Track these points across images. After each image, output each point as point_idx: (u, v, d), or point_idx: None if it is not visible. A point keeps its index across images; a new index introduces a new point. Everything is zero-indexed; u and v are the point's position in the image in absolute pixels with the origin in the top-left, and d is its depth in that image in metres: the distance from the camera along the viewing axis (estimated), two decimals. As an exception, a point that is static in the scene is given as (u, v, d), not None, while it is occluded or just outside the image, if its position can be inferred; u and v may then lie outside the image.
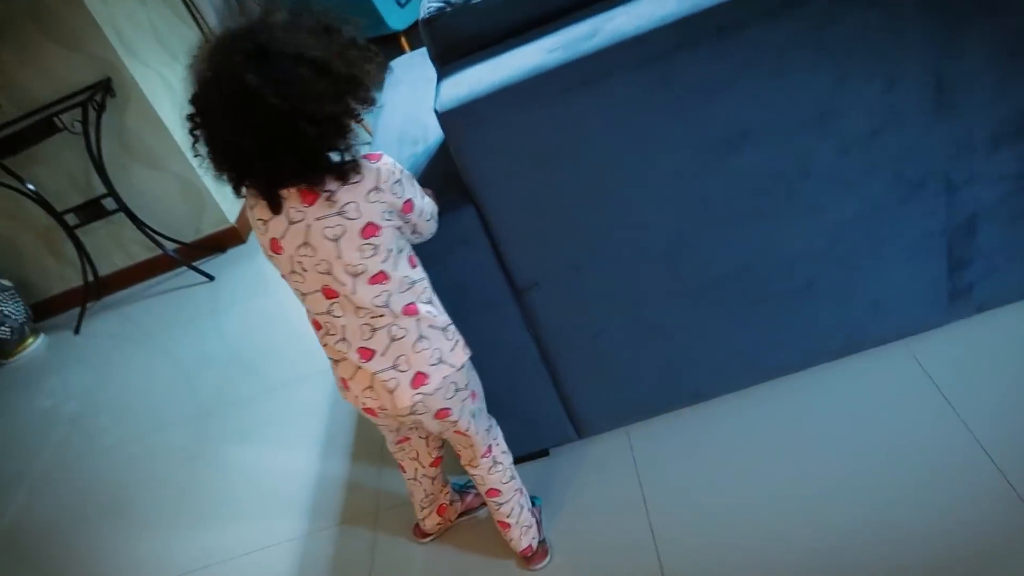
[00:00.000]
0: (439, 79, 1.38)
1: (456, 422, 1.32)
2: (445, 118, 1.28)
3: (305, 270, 1.15)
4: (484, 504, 1.66)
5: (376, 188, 1.11)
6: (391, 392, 1.22)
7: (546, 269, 1.44)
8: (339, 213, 1.10)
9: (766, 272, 1.45)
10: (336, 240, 1.11)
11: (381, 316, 1.18)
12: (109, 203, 3.09)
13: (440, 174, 1.44)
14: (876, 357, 1.61)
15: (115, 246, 3.33)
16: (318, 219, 1.10)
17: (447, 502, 1.63)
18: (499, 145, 1.30)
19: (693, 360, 1.58)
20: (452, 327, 1.25)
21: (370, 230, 1.12)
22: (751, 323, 1.52)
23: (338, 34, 1.04)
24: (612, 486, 1.64)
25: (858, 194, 1.36)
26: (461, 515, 1.69)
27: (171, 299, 3.23)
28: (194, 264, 3.23)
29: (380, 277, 1.16)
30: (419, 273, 1.21)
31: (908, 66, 1.24)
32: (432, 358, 1.23)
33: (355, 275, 1.14)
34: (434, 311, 1.23)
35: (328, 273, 1.14)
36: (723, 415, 1.66)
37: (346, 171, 1.08)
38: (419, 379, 1.23)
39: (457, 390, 1.29)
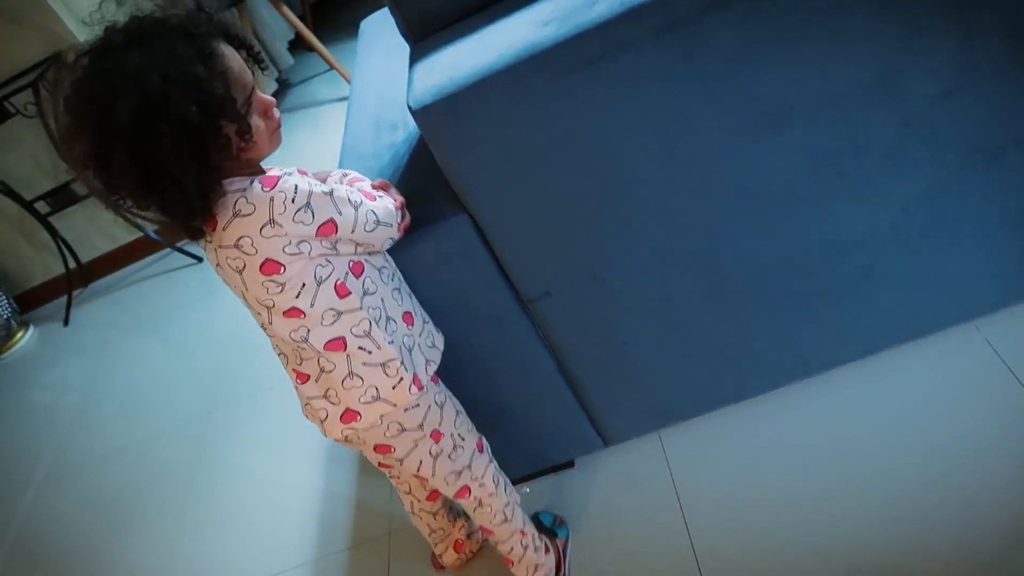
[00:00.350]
0: (411, 62, 1.14)
1: (401, 460, 1.16)
2: (421, 115, 1.06)
3: (229, 287, 1.03)
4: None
5: (271, 221, 0.91)
6: (321, 421, 1.11)
7: (558, 278, 1.24)
8: (236, 246, 0.93)
9: (817, 262, 1.24)
10: (239, 272, 0.96)
11: (304, 348, 1.04)
12: (80, 187, 2.87)
13: (425, 172, 1.22)
14: (943, 342, 1.40)
15: (94, 230, 3.13)
16: (220, 247, 0.95)
17: (463, 536, 1.47)
18: (488, 142, 1.08)
19: (735, 359, 1.38)
20: (396, 362, 1.06)
21: (270, 267, 0.95)
22: (800, 317, 1.32)
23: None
24: (646, 498, 1.47)
25: (924, 169, 1.14)
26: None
27: (161, 283, 3.04)
28: (179, 245, 3.03)
29: (293, 312, 0.99)
30: (351, 303, 1.02)
31: (990, 14, 0.99)
32: (365, 396, 1.07)
33: (267, 308, 1.00)
34: (370, 345, 1.04)
35: (244, 298, 1.02)
36: (772, 412, 1.47)
37: (206, 210, 0.92)
38: (349, 415, 1.08)
39: (404, 430, 1.12)
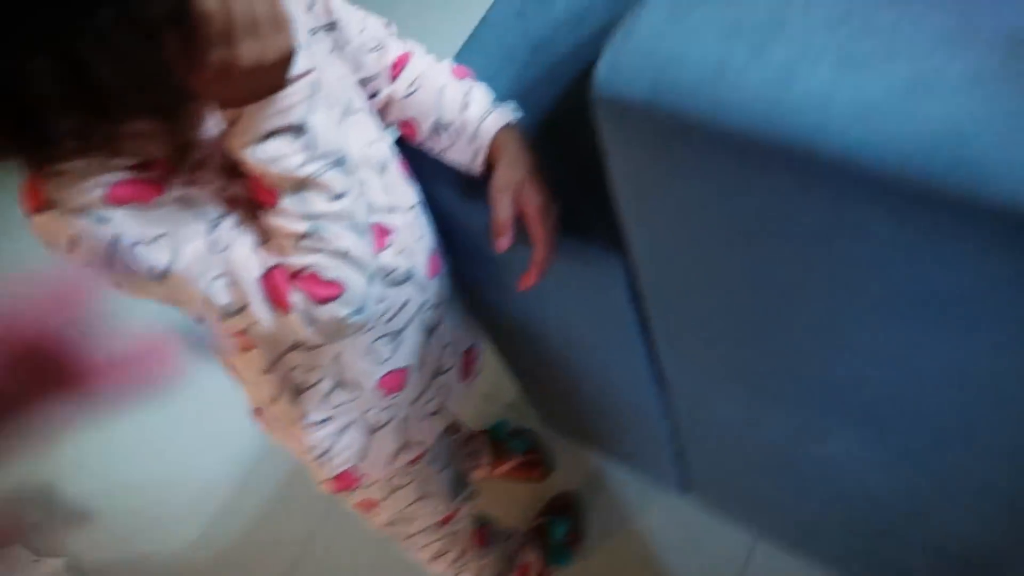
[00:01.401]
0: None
1: None
2: (608, 107, 0.53)
3: None
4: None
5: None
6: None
7: (710, 372, 0.78)
8: None
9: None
10: None
11: None
12: None
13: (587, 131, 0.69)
14: None
15: None
16: None
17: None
18: (705, 191, 0.56)
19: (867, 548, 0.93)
20: (313, 453, 0.67)
21: None
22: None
23: None
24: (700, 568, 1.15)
25: None
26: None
27: None
28: None
29: None
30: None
31: None
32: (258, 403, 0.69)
33: None
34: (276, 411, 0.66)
35: None
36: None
37: None
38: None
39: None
